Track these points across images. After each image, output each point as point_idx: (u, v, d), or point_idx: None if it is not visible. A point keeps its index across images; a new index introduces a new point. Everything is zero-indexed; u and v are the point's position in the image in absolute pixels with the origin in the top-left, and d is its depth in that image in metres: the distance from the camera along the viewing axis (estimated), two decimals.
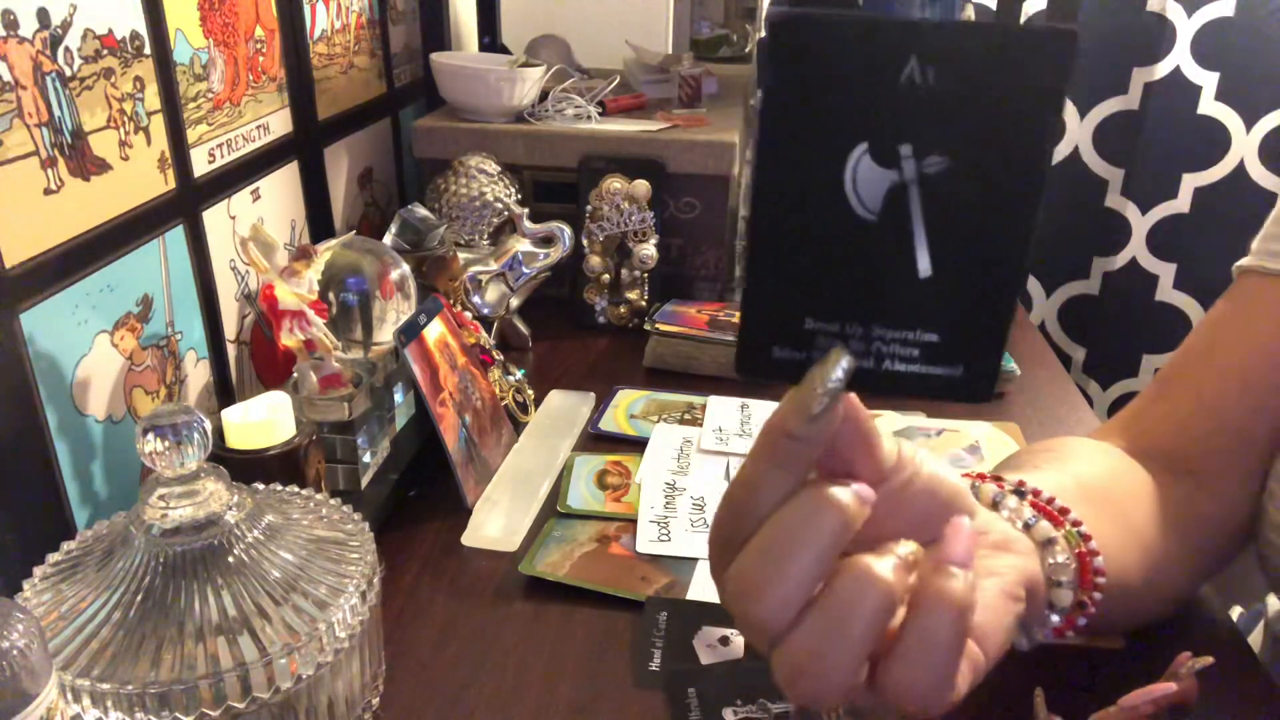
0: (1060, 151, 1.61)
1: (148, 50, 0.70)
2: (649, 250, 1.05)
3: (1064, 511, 0.49)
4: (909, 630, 0.35)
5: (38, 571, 0.50)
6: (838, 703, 0.36)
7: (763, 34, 1.24)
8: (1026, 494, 0.49)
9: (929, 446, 0.83)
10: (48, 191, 0.60)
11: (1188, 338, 0.65)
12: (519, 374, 0.89)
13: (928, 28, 0.31)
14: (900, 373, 0.34)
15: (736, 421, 0.87)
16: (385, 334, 0.75)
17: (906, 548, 0.36)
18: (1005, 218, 0.32)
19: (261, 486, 0.56)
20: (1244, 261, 0.63)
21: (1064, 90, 0.31)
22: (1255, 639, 0.84)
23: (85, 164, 0.63)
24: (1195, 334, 0.65)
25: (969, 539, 0.36)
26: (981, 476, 0.52)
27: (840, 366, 0.33)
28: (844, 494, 0.35)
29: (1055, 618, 0.48)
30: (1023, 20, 1.52)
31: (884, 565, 0.35)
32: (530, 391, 0.89)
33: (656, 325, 0.98)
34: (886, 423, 0.86)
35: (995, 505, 0.49)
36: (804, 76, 0.31)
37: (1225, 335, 0.63)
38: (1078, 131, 1.61)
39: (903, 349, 0.34)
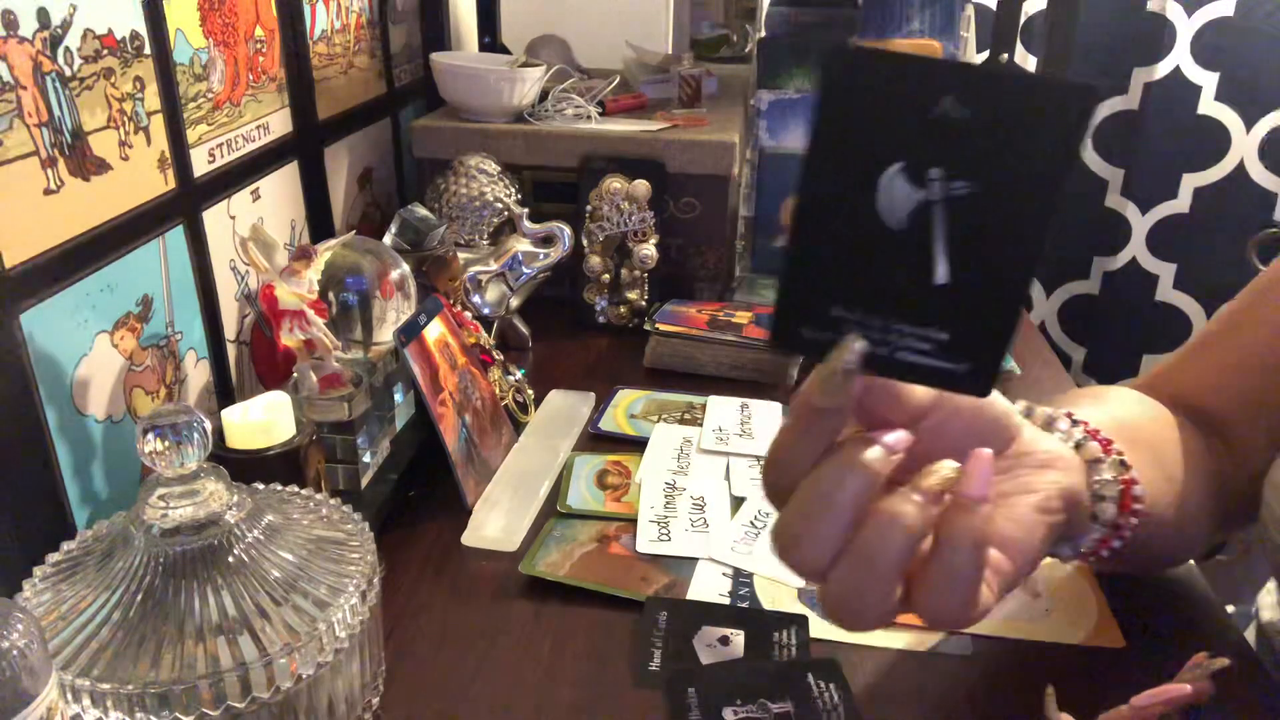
0: None
1: (148, 50, 0.70)
2: (649, 250, 1.05)
3: (1109, 442, 0.54)
4: (932, 563, 0.40)
5: (38, 571, 0.50)
6: (879, 626, 0.41)
7: (763, 33, 1.24)
8: (1078, 422, 0.55)
9: None
10: (48, 191, 0.60)
11: (1229, 304, 0.67)
12: (519, 374, 0.89)
13: (964, 70, 0.36)
14: (910, 362, 0.38)
15: (736, 421, 0.87)
16: (385, 334, 0.75)
17: (940, 473, 0.39)
18: (1017, 241, 0.36)
19: (261, 486, 0.56)
20: None
21: (1078, 136, 0.34)
22: (1247, 637, 0.84)
23: (85, 164, 0.63)
24: (1239, 299, 0.66)
25: (986, 472, 0.40)
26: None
27: (854, 349, 0.38)
28: (871, 452, 0.39)
29: (1098, 529, 0.53)
30: (1023, 18, 1.52)
31: (906, 509, 0.39)
32: (530, 391, 0.89)
33: (656, 325, 0.98)
34: None
35: (1049, 425, 0.55)
36: (852, 100, 0.35)
37: (1275, 294, 0.64)
38: None
39: (915, 342, 0.38)
